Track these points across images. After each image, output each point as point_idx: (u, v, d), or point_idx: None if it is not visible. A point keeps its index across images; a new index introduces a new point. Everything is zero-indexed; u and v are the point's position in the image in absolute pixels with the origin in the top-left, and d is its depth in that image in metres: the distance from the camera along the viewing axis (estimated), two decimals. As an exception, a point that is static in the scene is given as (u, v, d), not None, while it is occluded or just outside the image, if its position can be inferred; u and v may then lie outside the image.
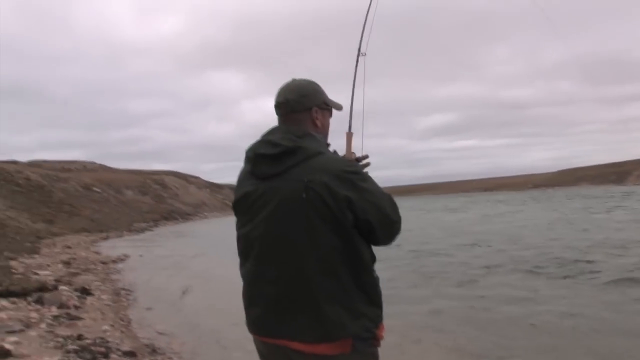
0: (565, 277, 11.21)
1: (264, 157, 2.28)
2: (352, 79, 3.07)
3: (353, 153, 2.69)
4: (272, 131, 2.37)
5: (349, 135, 2.82)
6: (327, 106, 2.48)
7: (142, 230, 40.87)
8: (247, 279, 2.35)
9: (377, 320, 2.24)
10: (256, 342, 2.38)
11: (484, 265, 13.38)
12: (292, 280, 2.19)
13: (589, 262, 12.83)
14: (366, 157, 2.64)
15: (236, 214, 2.43)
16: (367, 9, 3.25)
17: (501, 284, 10.96)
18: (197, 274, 14.26)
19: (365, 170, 2.44)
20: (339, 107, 2.60)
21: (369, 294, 2.23)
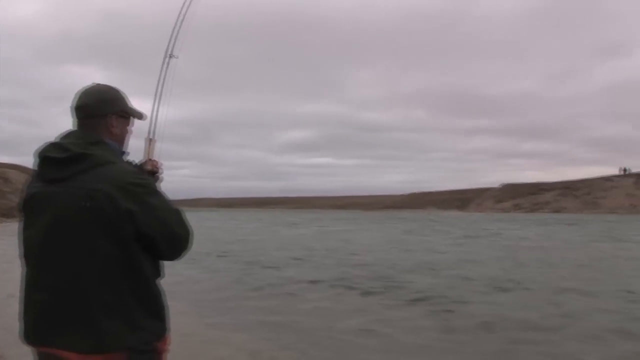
0: (371, 294, 11.68)
1: (52, 161, 2.23)
2: (161, 82, 3.05)
3: (154, 160, 2.68)
4: (67, 134, 2.33)
5: (150, 141, 2.80)
6: (125, 114, 2.46)
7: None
8: (26, 285, 2.27)
9: (158, 333, 2.25)
10: (33, 353, 2.30)
11: (306, 280, 13.71)
12: (68, 289, 2.14)
13: (403, 281, 13.50)
14: (155, 171, 2.63)
15: (22, 215, 2.35)
16: (180, 9, 3.27)
17: (318, 298, 11.25)
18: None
19: (161, 178, 2.51)
20: (140, 116, 2.57)
21: (149, 307, 2.22)
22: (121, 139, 2.45)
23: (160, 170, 2.66)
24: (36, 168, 2.32)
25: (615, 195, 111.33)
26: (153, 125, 2.98)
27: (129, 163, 2.45)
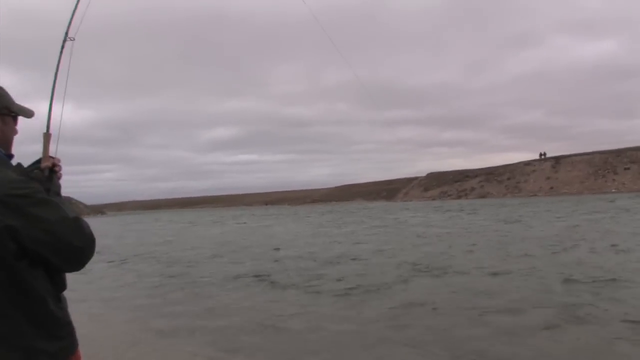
0: (283, 287, 11.98)
1: None
2: (55, 68, 2.77)
3: (52, 157, 2.35)
4: None
5: (47, 136, 2.49)
6: (9, 112, 2.19)
7: None
8: None
9: (60, 354, 2.05)
10: None
11: (227, 276, 14.02)
12: None
13: (319, 273, 13.91)
14: (53, 168, 2.29)
15: None
16: None
17: (234, 293, 11.58)
18: None
19: (59, 179, 2.28)
20: (28, 114, 2.29)
21: (47, 329, 2.01)
22: (5, 141, 2.18)
23: (59, 168, 2.33)
24: None
25: (535, 178, 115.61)
26: (50, 118, 2.64)
27: (18, 167, 2.17)
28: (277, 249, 20.71)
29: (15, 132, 2.25)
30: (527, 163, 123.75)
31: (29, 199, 1.96)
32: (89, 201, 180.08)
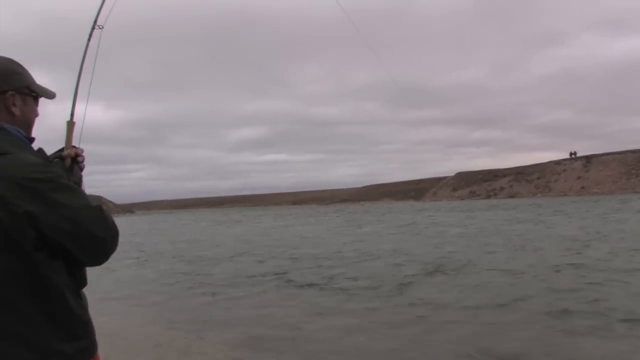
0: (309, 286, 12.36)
1: None
2: (82, 56, 2.69)
3: (74, 147, 2.26)
4: None
5: (71, 124, 2.41)
6: (30, 91, 2.03)
7: None
8: None
9: (78, 356, 1.89)
10: None
11: (246, 275, 14.42)
12: None
13: (328, 273, 14.41)
14: (76, 157, 2.19)
15: None
16: None
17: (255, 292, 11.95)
18: None
19: (82, 171, 2.15)
20: (50, 95, 2.15)
21: (64, 327, 1.86)
22: (26, 123, 2.03)
23: (82, 158, 2.23)
24: None
25: (565, 178, 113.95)
26: (74, 105, 2.59)
27: (38, 152, 1.99)
28: (308, 249, 20.92)
29: (36, 113, 2.12)
30: (558, 162, 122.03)
31: (49, 184, 1.82)
32: (118, 200, 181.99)
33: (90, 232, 1.87)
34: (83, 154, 2.25)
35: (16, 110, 1.97)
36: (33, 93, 2.06)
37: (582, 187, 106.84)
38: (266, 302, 10.58)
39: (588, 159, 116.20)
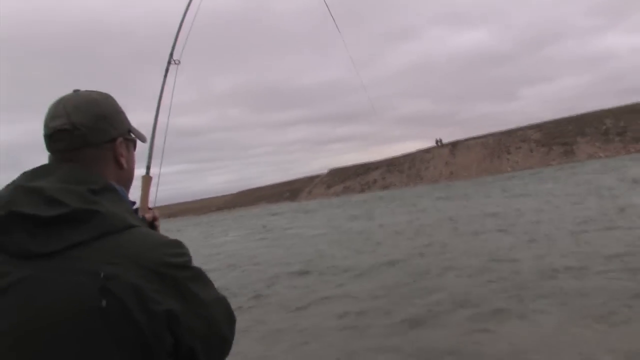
0: None
1: (27, 221, 1.21)
2: (158, 94, 2.57)
3: (151, 210, 1.83)
4: (40, 172, 1.32)
5: (147, 180, 2.03)
6: (131, 136, 1.58)
7: None
8: None
9: None
10: None
11: None
12: None
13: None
14: (153, 222, 1.76)
15: None
16: (184, 9, 2.97)
17: None
18: None
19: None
20: (142, 138, 1.65)
21: None
22: (129, 178, 1.56)
23: (159, 223, 1.79)
24: None
25: (435, 165, 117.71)
26: (151, 155, 2.20)
27: (143, 221, 1.56)
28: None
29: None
30: (427, 151, 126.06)
31: (187, 272, 1.35)
32: None
33: (223, 334, 1.43)
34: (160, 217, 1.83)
35: (124, 162, 1.51)
36: (132, 138, 1.59)
37: (451, 173, 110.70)
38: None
39: (454, 145, 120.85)
